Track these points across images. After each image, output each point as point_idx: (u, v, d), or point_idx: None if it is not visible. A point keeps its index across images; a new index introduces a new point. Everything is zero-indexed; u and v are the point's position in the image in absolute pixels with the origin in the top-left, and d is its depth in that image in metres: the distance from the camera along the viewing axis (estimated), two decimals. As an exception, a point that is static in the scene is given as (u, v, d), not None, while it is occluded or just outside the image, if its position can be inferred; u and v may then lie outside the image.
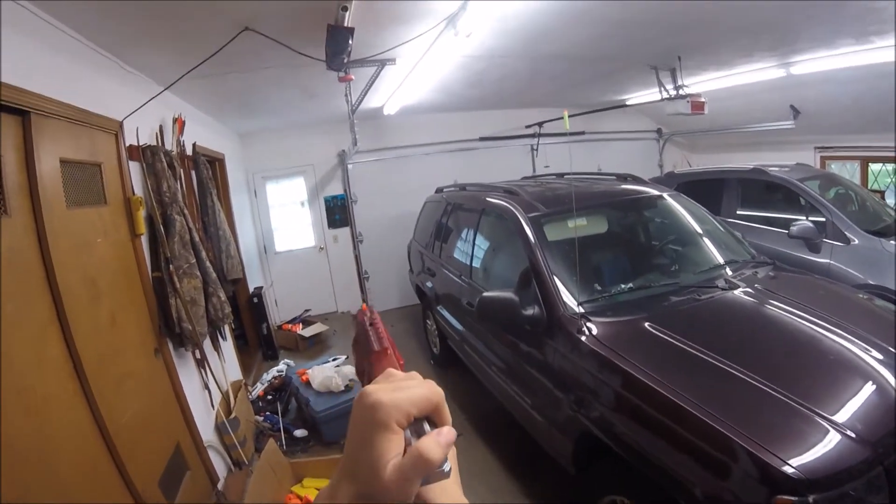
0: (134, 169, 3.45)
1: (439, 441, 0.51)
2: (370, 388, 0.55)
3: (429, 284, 5.85)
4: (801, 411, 2.01)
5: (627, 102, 7.97)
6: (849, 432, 1.90)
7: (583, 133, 9.11)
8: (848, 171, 7.30)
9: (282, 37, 3.27)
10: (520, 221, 3.72)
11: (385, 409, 0.51)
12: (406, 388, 0.55)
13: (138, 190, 3.45)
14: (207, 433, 3.85)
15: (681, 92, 5.77)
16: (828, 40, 4.59)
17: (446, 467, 0.52)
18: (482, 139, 8.90)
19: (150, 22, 2.91)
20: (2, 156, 2.13)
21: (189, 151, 4.70)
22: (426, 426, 0.54)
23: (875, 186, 7.03)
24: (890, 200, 6.65)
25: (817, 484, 1.76)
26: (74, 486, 2.22)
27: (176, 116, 4.29)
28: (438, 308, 5.50)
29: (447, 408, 0.57)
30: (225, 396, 4.31)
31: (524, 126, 8.76)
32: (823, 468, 1.80)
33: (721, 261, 3.59)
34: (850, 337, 2.47)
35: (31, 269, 2.27)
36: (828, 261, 4.95)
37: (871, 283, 4.49)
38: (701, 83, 6.18)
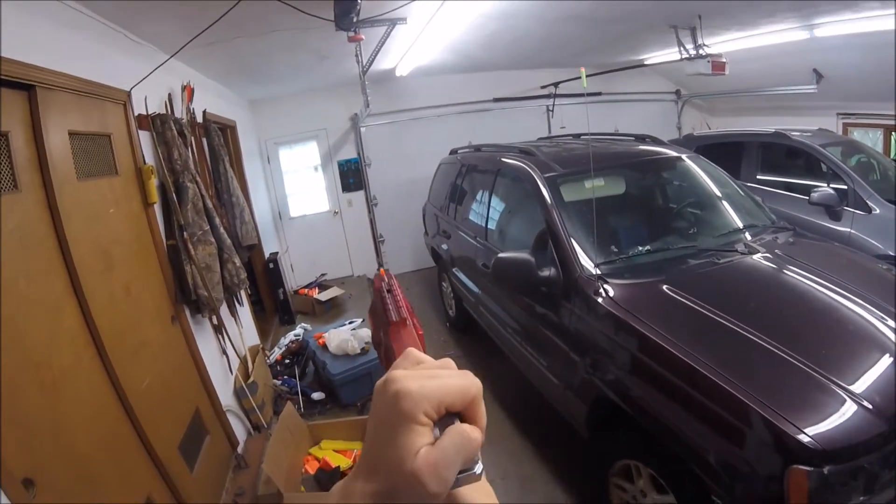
0: (144, 138, 3.44)
1: (479, 426, 0.47)
2: (395, 374, 0.47)
3: (444, 247, 5.83)
4: (818, 380, 1.98)
5: (646, 62, 7.78)
6: (866, 404, 1.87)
7: (600, 94, 8.93)
8: (870, 139, 7.11)
9: (288, -1, 3.20)
10: (536, 182, 3.67)
11: (413, 399, 0.44)
12: (439, 377, 0.48)
13: (149, 159, 3.44)
14: (226, 398, 3.92)
15: (701, 52, 5.60)
16: (852, 3, 4.40)
17: (478, 468, 0.47)
18: (497, 100, 8.76)
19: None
20: (9, 131, 2.12)
21: (200, 119, 4.68)
22: (458, 423, 0.47)
23: (898, 156, 6.84)
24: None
25: (833, 455, 1.73)
26: (94, 455, 2.27)
27: (185, 84, 4.25)
28: (454, 270, 5.50)
29: (483, 405, 0.50)
30: (243, 361, 4.38)
31: (539, 87, 8.61)
32: (840, 439, 1.78)
33: (740, 225, 3.52)
34: (869, 307, 2.41)
35: (44, 243, 2.28)
36: (848, 229, 4.84)
37: (892, 253, 4.39)
38: (721, 44, 5.99)
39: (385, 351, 0.63)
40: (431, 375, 0.48)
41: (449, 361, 0.53)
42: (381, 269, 0.75)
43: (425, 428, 0.44)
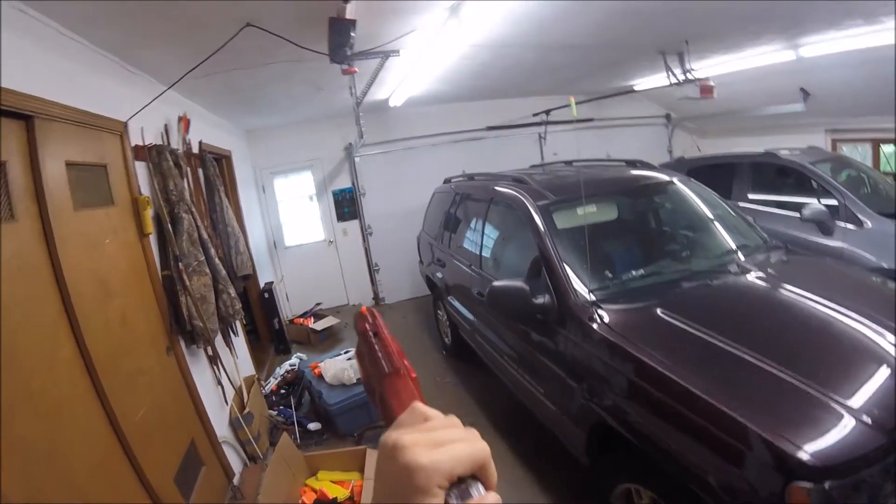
0: (140, 169, 3.46)
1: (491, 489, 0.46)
2: (405, 440, 0.47)
3: (439, 275, 5.84)
4: (815, 397, 1.98)
5: (635, 88, 7.89)
6: (865, 418, 1.87)
7: (591, 120, 9.04)
8: (860, 154, 7.21)
9: (284, 32, 3.25)
10: (529, 210, 3.70)
11: (426, 473, 0.45)
12: (448, 444, 0.48)
13: (145, 189, 3.46)
14: (222, 429, 3.88)
15: (689, 76, 5.70)
16: (836, 21, 4.51)
17: None
18: (490, 129, 8.85)
19: (151, 21, 2.90)
20: (6, 161, 2.14)
21: (195, 150, 4.71)
22: (471, 487, 0.48)
23: (887, 169, 6.91)
24: (902, 182, 6.56)
25: (833, 470, 1.73)
26: (89, 486, 2.24)
27: (181, 115, 4.30)
28: (449, 298, 5.50)
29: (493, 466, 0.50)
30: (238, 392, 4.34)
31: (531, 115, 8.71)
32: (839, 455, 1.78)
33: (733, 246, 3.54)
34: (864, 321, 2.42)
35: (40, 273, 2.28)
36: (841, 244, 4.88)
37: (885, 266, 4.42)
38: (709, 67, 6.09)
39: (381, 400, 0.62)
40: (440, 442, 0.48)
41: (454, 419, 0.53)
42: (364, 308, 0.71)
43: (438, 500, 0.45)
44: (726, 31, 4.85)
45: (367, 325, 0.67)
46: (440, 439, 0.48)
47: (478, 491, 0.48)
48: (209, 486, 3.45)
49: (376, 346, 0.66)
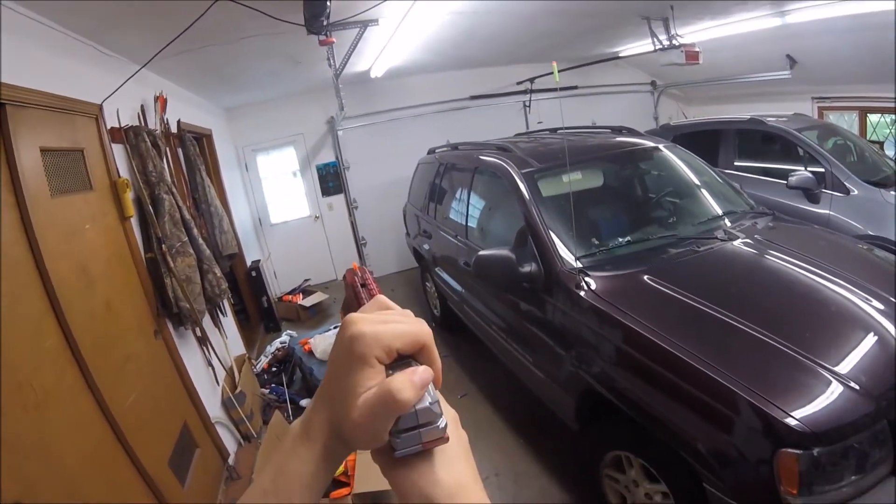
0: (118, 151, 3.40)
1: (413, 380, 0.47)
2: (354, 316, 0.52)
3: (426, 247, 5.83)
4: (803, 363, 2.00)
5: (621, 55, 7.82)
6: (853, 384, 1.90)
7: (576, 87, 8.97)
8: (846, 122, 7.21)
9: (258, 4, 3.17)
10: (514, 178, 3.67)
11: (365, 342, 0.48)
12: (393, 323, 0.51)
13: (124, 172, 3.39)
14: (214, 410, 3.88)
15: (674, 42, 5.65)
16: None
17: (441, 423, 0.48)
18: (473, 98, 8.77)
19: (121, 2, 2.81)
20: (-23, 150, 2.08)
21: (174, 129, 4.63)
22: (413, 366, 0.50)
23: (874, 137, 6.95)
24: (889, 151, 6.58)
25: (822, 437, 1.75)
26: (83, 475, 2.24)
27: (157, 95, 4.20)
28: (437, 270, 5.49)
29: (436, 350, 0.54)
30: (229, 372, 4.34)
31: (515, 83, 8.63)
32: (828, 421, 1.80)
33: (720, 212, 3.55)
34: (850, 287, 2.44)
35: (20, 263, 2.24)
36: (827, 211, 4.90)
37: (871, 233, 4.45)
38: (695, 33, 6.05)
39: None
40: (385, 321, 0.52)
41: (408, 312, 0.55)
42: (354, 264, 0.73)
43: (376, 370, 0.48)
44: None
45: (355, 278, 0.69)
46: (387, 320, 0.52)
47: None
48: (204, 467, 3.46)
49: (362, 294, 0.68)
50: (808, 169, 5.07)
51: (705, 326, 2.34)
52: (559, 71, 3.64)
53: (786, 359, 2.04)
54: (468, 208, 4.59)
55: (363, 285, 0.68)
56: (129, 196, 3.31)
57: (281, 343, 5.88)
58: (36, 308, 2.28)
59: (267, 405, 4.68)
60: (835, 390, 1.89)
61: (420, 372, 0.48)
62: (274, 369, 5.43)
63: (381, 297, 0.59)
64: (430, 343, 0.53)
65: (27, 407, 2.00)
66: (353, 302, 0.69)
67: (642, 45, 6.76)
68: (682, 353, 2.16)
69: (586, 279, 2.84)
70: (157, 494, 2.76)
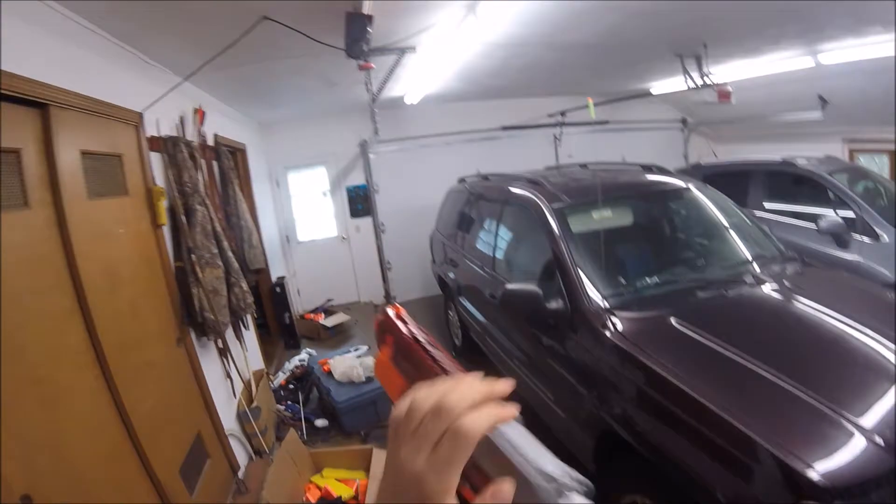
0: (155, 160, 3.47)
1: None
2: (405, 452, 0.45)
3: (451, 275, 5.82)
4: (827, 414, 1.94)
5: (652, 91, 7.82)
6: (877, 439, 1.83)
7: (606, 122, 8.97)
8: (877, 164, 7.10)
9: (300, 25, 3.25)
10: (543, 212, 3.66)
11: (431, 490, 0.43)
12: (448, 458, 0.43)
13: (159, 180, 3.46)
14: (229, 422, 3.88)
15: (707, 80, 5.63)
16: (855, 28, 4.44)
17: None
18: (504, 128, 8.79)
19: (168, 13, 2.90)
20: (21, 148, 2.14)
21: (210, 142, 4.72)
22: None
23: (904, 180, 6.81)
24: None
25: (843, 491, 1.69)
26: (94, 474, 2.25)
27: (196, 107, 4.30)
28: (461, 299, 5.47)
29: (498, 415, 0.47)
30: (247, 385, 4.35)
31: (546, 115, 8.66)
32: (850, 475, 1.73)
33: (748, 256, 3.50)
34: (879, 337, 2.38)
35: (52, 261, 2.29)
36: (857, 257, 4.80)
37: None
38: (727, 71, 6.03)
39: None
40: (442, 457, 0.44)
41: (470, 379, 0.49)
42: (396, 306, 0.61)
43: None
44: (744, 34, 4.79)
45: (407, 332, 0.58)
46: (441, 452, 0.44)
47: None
48: (214, 478, 3.45)
49: (432, 355, 0.57)
50: (838, 213, 4.98)
51: (730, 373, 2.28)
52: (595, 105, 3.65)
53: (810, 409, 1.98)
54: (496, 239, 4.59)
55: (431, 345, 0.55)
56: (163, 204, 3.37)
57: (300, 361, 5.87)
58: (63, 305, 2.32)
59: (281, 422, 4.67)
60: (858, 444, 1.82)
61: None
62: (291, 386, 5.42)
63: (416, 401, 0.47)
64: (493, 422, 0.46)
65: (45, 402, 2.02)
66: (412, 363, 0.55)
67: (674, 83, 6.76)
68: (705, 398, 2.11)
69: (612, 319, 2.80)
70: (165, 500, 2.75)
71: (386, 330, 0.61)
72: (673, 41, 5.08)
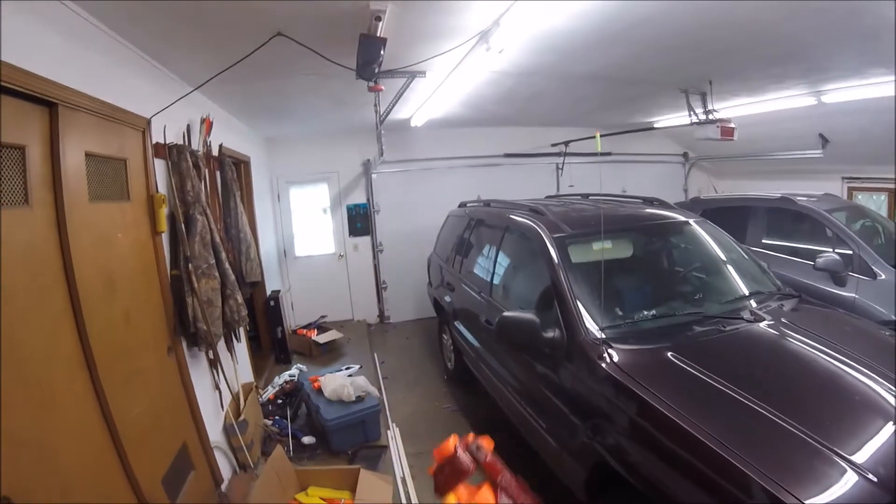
0: (159, 167, 3.47)
1: None
2: None
3: (447, 299, 5.80)
4: (821, 450, 1.94)
5: (656, 125, 7.90)
6: (870, 476, 1.82)
7: (609, 154, 9.05)
8: (875, 203, 7.17)
9: (313, 44, 3.28)
10: (544, 241, 3.67)
11: None
12: None
13: (162, 188, 3.47)
14: (215, 434, 3.84)
15: (710, 116, 5.69)
16: (859, 69, 4.52)
17: None
18: (507, 155, 8.87)
19: (182, 22, 2.93)
20: (26, 145, 2.14)
21: (215, 152, 4.73)
22: None
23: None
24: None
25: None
26: (76, 480, 2.21)
27: (204, 117, 4.32)
28: (455, 323, 5.45)
29: None
30: (235, 398, 4.30)
31: (550, 144, 8.73)
32: None
33: (746, 291, 3.51)
34: (874, 375, 2.39)
35: (49, 261, 2.28)
36: (853, 295, 4.82)
37: None
38: (731, 108, 6.10)
39: None
40: None
41: None
42: (485, 440, 0.55)
43: None
44: (749, 72, 4.86)
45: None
46: None
47: None
48: (196, 490, 3.40)
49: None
50: (836, 251, 5.02)
51: (725, 408, 2.27)
52: (601, 136, 3.68)
53: (803, 445, 1.98)
54: (494, 266, 4.59)
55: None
56: (163, 212, 3.37)
57: (290, 376, 5.83)
58: (57, 307, 2.30)
59: (268, 437, 4.62)
60: (850, 480, 1.82)
61: None
62: (280, 401, 5.37)
63: None
64: None
65: (33, 402, 2.00)
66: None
67: (678, 117, 6.82)
68: (698, 432, 2.10)
69: (609, 351, 2.79)
70: (146, 511, 2.71)
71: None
72: (679, 77, 5.15)
